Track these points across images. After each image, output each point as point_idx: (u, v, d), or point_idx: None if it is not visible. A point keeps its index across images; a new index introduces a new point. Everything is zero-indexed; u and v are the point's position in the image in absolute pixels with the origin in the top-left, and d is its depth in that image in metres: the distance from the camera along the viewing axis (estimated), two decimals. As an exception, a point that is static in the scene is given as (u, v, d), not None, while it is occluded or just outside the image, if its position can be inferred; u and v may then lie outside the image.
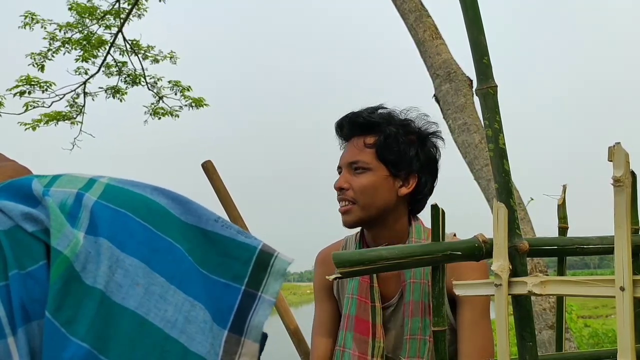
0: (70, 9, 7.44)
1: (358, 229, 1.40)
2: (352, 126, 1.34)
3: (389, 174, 1.29)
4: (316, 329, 1.42)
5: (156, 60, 8.04)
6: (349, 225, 1.32)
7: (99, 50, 7.67)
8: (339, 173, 1.35)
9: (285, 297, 1.56)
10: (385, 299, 1.32)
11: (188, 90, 8.14)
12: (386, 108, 1.35)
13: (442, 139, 1.37)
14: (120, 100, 8.01)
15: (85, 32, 7.51)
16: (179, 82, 8.10)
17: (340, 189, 1.31)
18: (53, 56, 7.54)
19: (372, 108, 1.35)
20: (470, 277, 1.23)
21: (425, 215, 1.38)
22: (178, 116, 8.24)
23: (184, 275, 0.55)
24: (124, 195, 0.57)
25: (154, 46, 8.00)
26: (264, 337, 0.57)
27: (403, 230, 1.33)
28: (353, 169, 1.31)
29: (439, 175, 1.37)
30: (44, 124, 7.52)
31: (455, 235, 1.31)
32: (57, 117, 7.58)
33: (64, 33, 7.53)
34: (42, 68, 7.44)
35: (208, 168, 1.52)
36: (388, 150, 1.29)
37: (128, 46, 7.77)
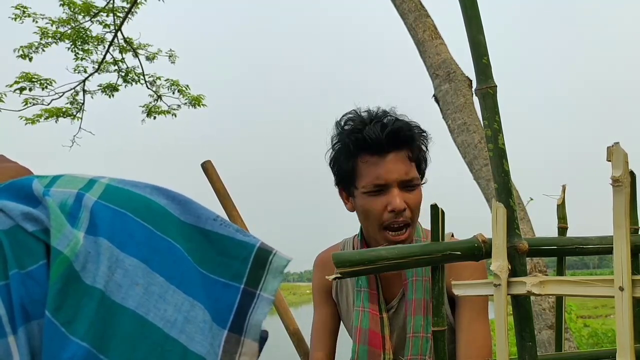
0: (62, 4, 7.40)
1: (356, 232, 1.39)
2: (393, 140, 1.23)
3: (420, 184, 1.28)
4: (315, 331, 1.42)
5: (152, 58, 8.00)
6: None
7: (97, 48, 7.65)
8: (378, 192, 1.22)
9: (284, 297, 1.56)
10: (387, 301, 1.32)
11: (186, 89, 8.12)
12: (396, 115, 1.27)
13: None
14: (111, 96, 7.94)
15: (77, 27, 7.46)
16: (177, 81, 8.08)
17: (401, 211, 1.21)
18: (44, 49, 7.50)
19: (395, 117, 1.26)
20: (469, 276, 1.23)
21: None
22: (175, 115, 8.22)
23: (184, 275, 0.55)
24: (124, 196, 0.57)
25: (152, 45, 7.99)
26: (264, 336, 0.57)
27: None
28: (404, 187, 1.23)
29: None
30: (44, 119, 7.51)
31: (453, 235, 1.31)
32: (58, 113, 7.58)
33: (56, 27, 7.50)
34: (30, 59, 7.39)
35: (207, 168, 1.52)
36: (422, 162, 1.29)
37: (124, 43, 7.74)
